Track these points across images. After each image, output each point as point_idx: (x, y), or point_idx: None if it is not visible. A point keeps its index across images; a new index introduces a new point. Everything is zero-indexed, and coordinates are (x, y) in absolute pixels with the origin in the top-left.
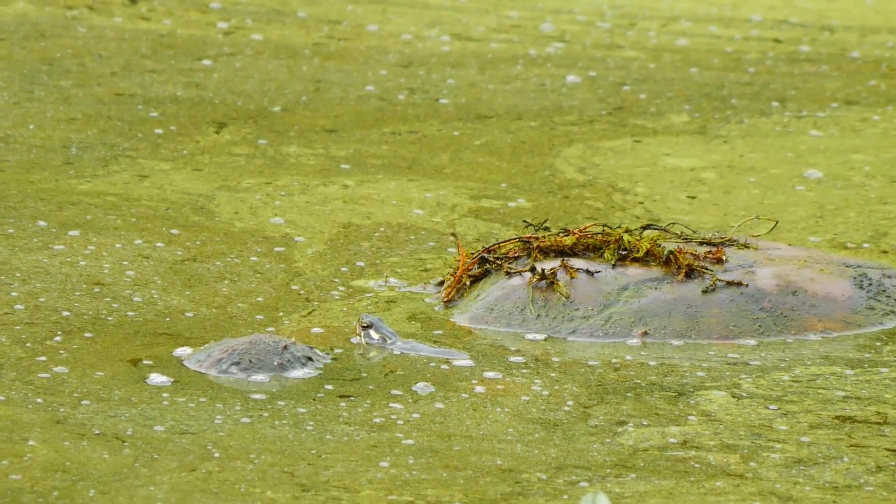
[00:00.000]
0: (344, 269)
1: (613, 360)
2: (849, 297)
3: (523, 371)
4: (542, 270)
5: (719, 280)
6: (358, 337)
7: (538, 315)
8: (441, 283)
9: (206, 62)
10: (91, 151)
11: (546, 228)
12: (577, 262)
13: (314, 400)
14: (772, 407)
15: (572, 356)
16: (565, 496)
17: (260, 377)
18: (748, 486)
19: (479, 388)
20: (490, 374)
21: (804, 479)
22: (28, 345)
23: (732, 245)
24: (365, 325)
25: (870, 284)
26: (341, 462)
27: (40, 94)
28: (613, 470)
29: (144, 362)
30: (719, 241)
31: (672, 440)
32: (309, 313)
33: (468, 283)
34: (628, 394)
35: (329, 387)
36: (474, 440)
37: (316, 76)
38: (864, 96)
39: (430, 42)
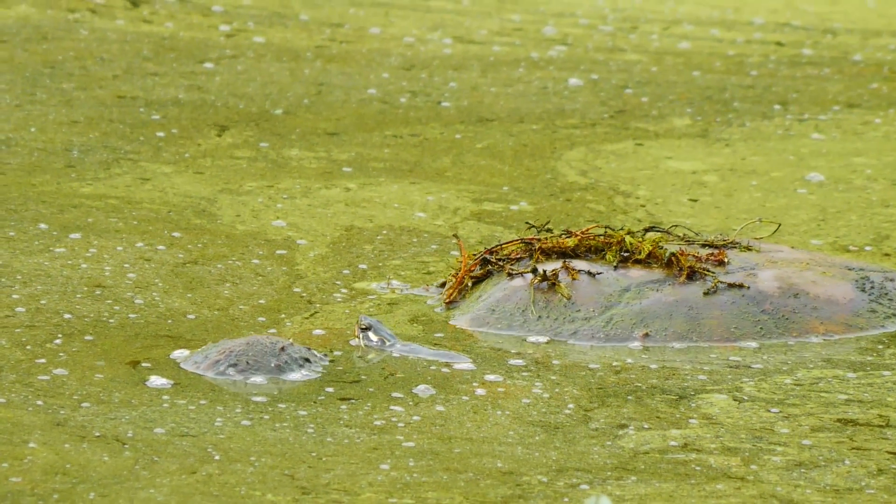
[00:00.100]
0: (346, 271)
1: (614, 363)
2: (850, 299)
3: (524, 374)
4: (544, 272)
5: (721, 282)
6: (357, 339)
7: (539, 316)
8: (443, 285)
9: (208, 65)
10: (93, 154)
11: (548, 230)
12: (578, 264)
13: (315, 402)
14: (773, 410)
15: (573, 359)
16: (566, 499)
17: (257, 379)
18: (749, 488)
19: (480, 391)
20: (491, 377)
21: (805, 482)
22: (28, 347)
23: (735, 247)
24: (364, 326)
25: (872, 287)
26: (342, 465)
27: (42, 97)
28: (614, 473)
29: (143, 364)
30: (721, 243)
31: (673, 443)
32: (311, 315)
33: (470, 284)
34: (629, 397)
35: (330, 389)
36: (475, 443)
37: (318, 79)
38: (866, 99)
39: (433, 45)
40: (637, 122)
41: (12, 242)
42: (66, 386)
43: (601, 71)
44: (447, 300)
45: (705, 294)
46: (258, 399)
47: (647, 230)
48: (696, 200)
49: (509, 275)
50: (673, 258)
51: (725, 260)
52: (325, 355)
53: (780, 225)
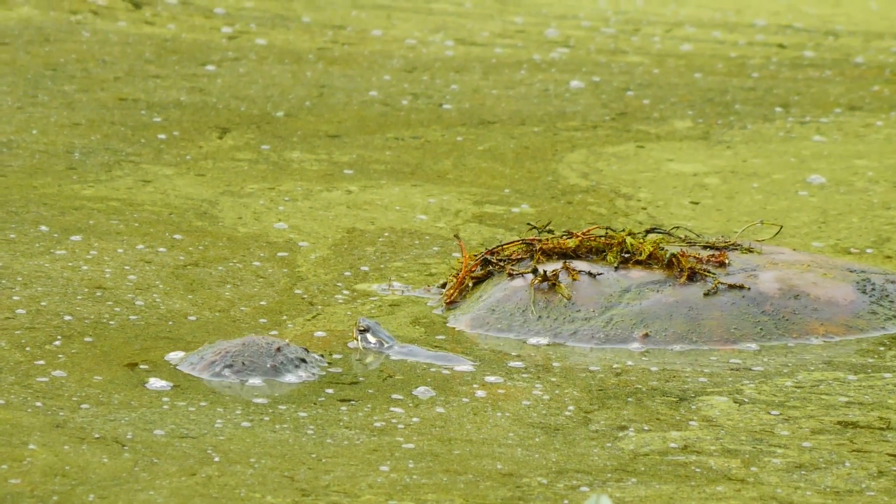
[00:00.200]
0: (347, 273)
1: (615, 365)
2: (851, 301)
3: (524, 376)
4: (544, 272)
5: (721, 283)
6: (355, 341)
7: (539, 316)
8: (445, 286)
9: (210, 67)
10: (94, 156)
11: (549, 231)
12: (579, 265)
13: (315, 404)
14: (774, 412)
15: (574, 361)
16: (566, 501)
17: (253, 380)
18: (749, 490)
19: (480, 393)
20: (491, 379)
21: (805, 484)
22: (28, 349)
23: (736, 249)
24: (362, 328)
25: (873, 289)
26: (341, 466)
27: (44, 99)
28: (614, 474)
29: (141, 367)
30: (723, 245)
31: (673, 445)
32: (313, 317)
33: (471, 284)
34: (629, 399)
35: (330, 391)
36: (475, 444)
37: (320, 81)
38: (868, 101)
39: (434, 47)
40: (638, 124)
41: (13, 244)
42: (66, 387)
43: (603, 73)
44: (447, 300)
45: (705, 295)
46: (258, 401)
47: (648, 232)
48: (697, 203)
49: (510, 275)
50: (673, 259)
51: (726, 261)
52: (322, 356)
53: (781, 227)
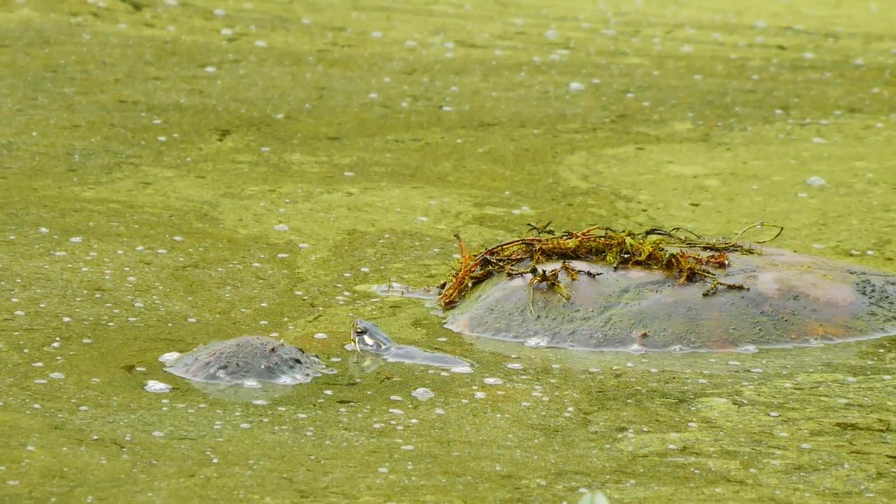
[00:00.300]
0: (348, 274)
1: (614, 367)
2: (850, 302)
3: (523, 377)
4: (543, 272)
5: (720, 284)
6: (353, 343)
7: (538, 316)
8: (444, 287)
9: (210, 69)
10: (94, 158)
11: (549, 231)
12: (578, 265)
13: (314, 405)
14: (773, 414)
15: (573, 362)
16: (565, 502)
17: (247, 381)
18: (748, 492)
19: (479, 394)
20: (490, 380)
21: (804, 486)
22: (26, 350)
23: (736, 251)
24: (359, 330)
25: (872, 290)
26: (340, 468)
27: (44, 101)
28: (613, 476)
29: (138, 369)
30: (723, 246)
31: (672, 446)
32: (314, 319)
33: (470, 284)
34: (629, 400)
35: (328, 392)
36: (474, 446)
37: (320, 83)
38: (868, 104)
39: (434, 49)
40: (638, 126)
41: (13, 246)
42: (65, 389)
43: (603, 75)
44: (446, 300)
45: (704, 295)
46: (258, 402)
47: (648, 233)
48: (697, 205)
49: (509, 275)
50: (673, 260)
51: (726, 262)
52: (317, 356)
53: (782, 229)
